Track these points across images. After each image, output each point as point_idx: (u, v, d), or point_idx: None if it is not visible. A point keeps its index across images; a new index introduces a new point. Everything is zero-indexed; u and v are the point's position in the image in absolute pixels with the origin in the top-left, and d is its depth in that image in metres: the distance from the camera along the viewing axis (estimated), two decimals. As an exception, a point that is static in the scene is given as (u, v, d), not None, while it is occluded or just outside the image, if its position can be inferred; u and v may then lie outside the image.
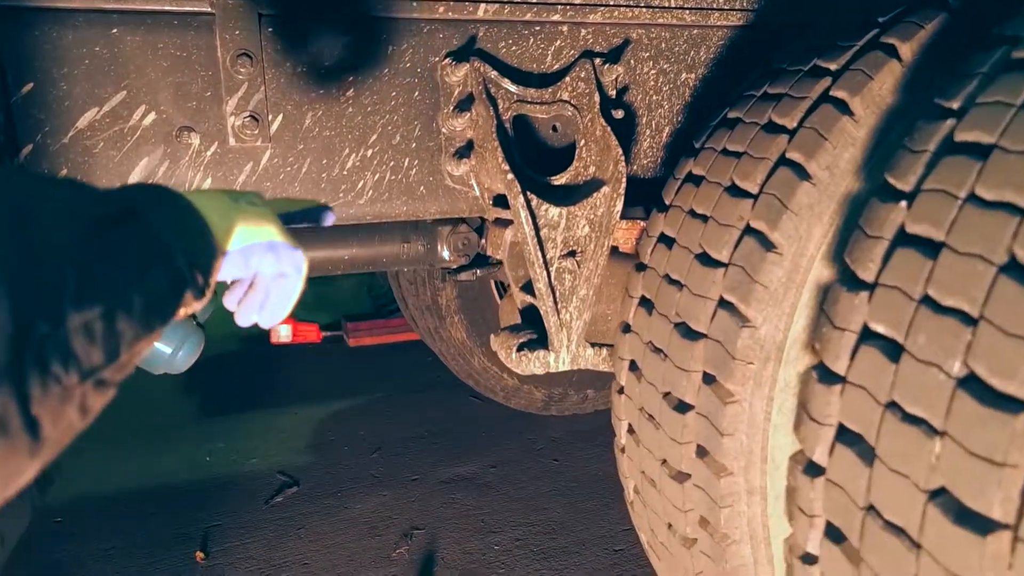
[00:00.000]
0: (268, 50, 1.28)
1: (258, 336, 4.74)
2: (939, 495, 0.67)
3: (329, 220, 0.96)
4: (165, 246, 0.57)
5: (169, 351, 1.53)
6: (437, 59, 1.37)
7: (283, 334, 4.69)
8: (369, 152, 1.39)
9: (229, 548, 2.28)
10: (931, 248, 0.74)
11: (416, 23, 1.35)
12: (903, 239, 0.78)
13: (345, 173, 1.38)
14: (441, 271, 2.17)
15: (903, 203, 0.80)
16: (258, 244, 0.73)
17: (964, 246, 0.70)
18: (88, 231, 0.49)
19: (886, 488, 0.73)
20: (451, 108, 1.38)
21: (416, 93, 1.38)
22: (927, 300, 0.72)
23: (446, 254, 1.98)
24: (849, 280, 0.84)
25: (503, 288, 2.95)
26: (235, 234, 0.71)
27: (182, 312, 0.61)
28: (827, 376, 0.84)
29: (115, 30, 1.18)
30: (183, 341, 1.55)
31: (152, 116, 1.26)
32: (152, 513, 2.50)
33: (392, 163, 1.40)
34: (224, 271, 0.72)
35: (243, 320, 0.80)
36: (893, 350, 0.75)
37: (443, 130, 1.40)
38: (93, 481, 2.73)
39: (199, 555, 2.23)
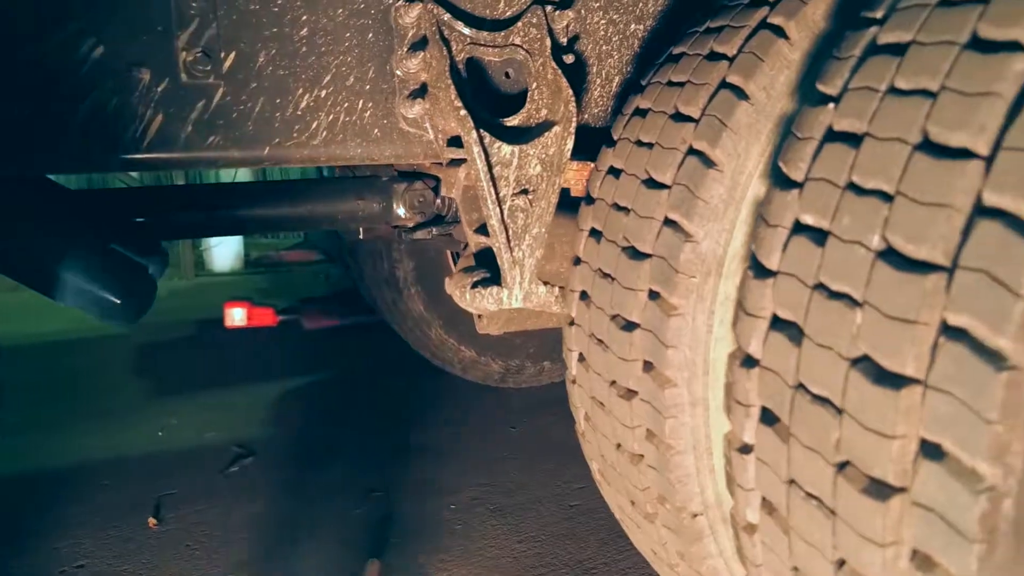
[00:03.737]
0: (220, -14, 1.28)
1: (213, 320, 4.68)
2: (860, 361, 0.72)
3: None
4: None
5: (119, 300, 1.51)
6: (391, 1, 1.39)
7: (238, 318, 4.62)
8: (323, 93, 1.39)
9: (183, 515, 2.26)
10: (855, 139, 0.78)
11: (369, -36, 1.36)
12: (831, 136, 0.82)
13: (299, 113, 1.38)
14: (396, 232, 2.19)
15: (831, 105, 0.84)
16: None
17: (884, 132, 0.75)
18: None
19: (814, 364, 0.77)
20: (405, 50, 1.40)
21: (370, 35, 1.39)
22: (851, 186, 0.77)
23: (402, 211, 1.99)
24: (782, 181, 0.88)
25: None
26: None
27: None
28: (761, 271, 0.88)
29: (63, -42, 1.17)
30: (133, 292, 1.54)
31: (101, 49, 1.25)
32: (105, 484, 2.46)
33: (346, 104, 1.41)
34: None
35: None
36: (820, 236, 0.79)
37: (397, 72, 1.42)
38: (45, 457, 2.67)
39: (152, 521, 2.21)
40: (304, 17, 1.35)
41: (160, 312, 1.59)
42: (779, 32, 1.03)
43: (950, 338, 0.64)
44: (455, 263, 2.95)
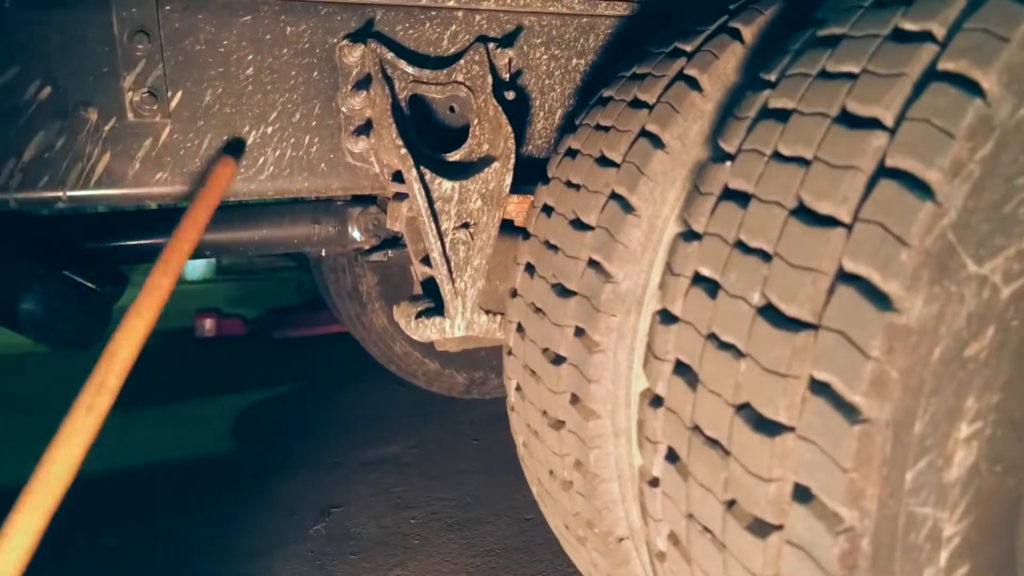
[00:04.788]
0: (166, 28, 1.32)
1: (182, 330, 4.68)
2: (743, 408, 0.78)
3: None
4: None
5: (70, 328, 1.54)
6: (335, 40, 1.43)
7: (207, 328, 4.63)
8: (269, 129, 1.43)
9: (145, 531, 2.28)
10: (744, 199, 0.84)
11: (314, 5, 1.40)
12: (726, 194, 0.89)
13: (246, 150, 1.43)
14: (354, 252, 2.23)
15: (728, 163, 0.90)
16: None
17: (766, 195, 0.81)
18: None
19: (706, 408, 0.83)
20: (349, 87, 1.44)
21: (315, 73, 1.44)
22: (739, 244, 0.83)
23: (357, 235, 2.04)
24: (686, 233, 0.94)
25: (423, 274, 3.01)
26: None
27: None
28: (667, 318, 0.94)
29: (6, 4, 1.21)
30: (84, 319, 1.57)
31: (48, 90, 1.28)
32: (66, 501, 2.46)
33: (293, 140, 1.45)
34: None
35: None
36: (713, 289, 0.85)
37: (342, 109, 1.46)
38: (5, 472, 2.68)
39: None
40: (250, 56, 1.39)
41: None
42: (693, 84, 1.09)
43: (815, 392, 0.71)
44: (417, 278, 3.00)
